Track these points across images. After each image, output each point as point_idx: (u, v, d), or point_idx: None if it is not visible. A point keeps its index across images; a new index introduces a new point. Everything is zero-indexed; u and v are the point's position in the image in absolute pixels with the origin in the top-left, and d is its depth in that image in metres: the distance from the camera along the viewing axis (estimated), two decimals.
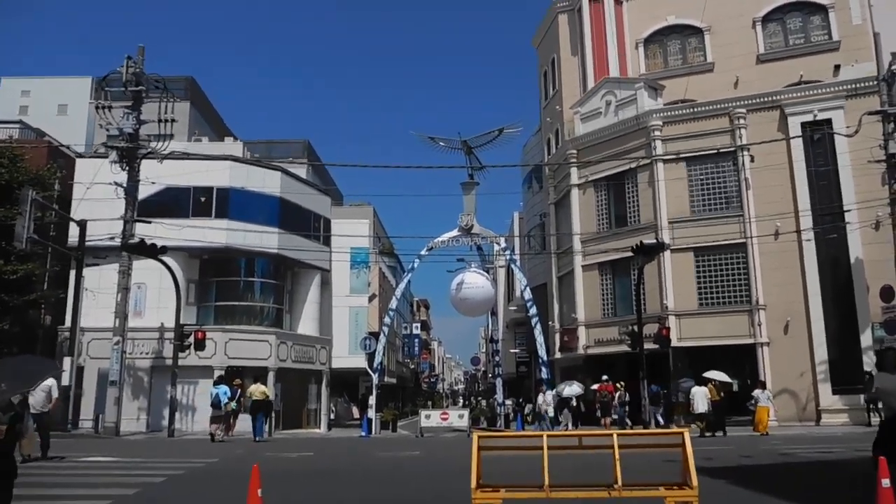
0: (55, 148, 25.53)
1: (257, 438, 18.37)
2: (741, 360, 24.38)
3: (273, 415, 22.29)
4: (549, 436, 5.89)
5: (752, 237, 24.09)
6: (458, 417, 21.54)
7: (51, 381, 12.36)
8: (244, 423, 20.55)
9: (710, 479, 8.26)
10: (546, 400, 23.44)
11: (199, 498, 8.61)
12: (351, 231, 32.92)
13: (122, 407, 22.36)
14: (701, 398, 19.41)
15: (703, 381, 20.51)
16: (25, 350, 24.11)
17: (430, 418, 21.66)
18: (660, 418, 22.40)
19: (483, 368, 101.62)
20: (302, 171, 34.14)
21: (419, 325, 73.72)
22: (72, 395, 20.51)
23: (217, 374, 24.42)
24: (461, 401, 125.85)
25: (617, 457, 5.42)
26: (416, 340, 68.08)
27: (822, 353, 22.88)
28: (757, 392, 20.64)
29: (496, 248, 29.87)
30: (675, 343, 23.95)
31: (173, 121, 21.31)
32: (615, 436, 5.51)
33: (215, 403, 18.45)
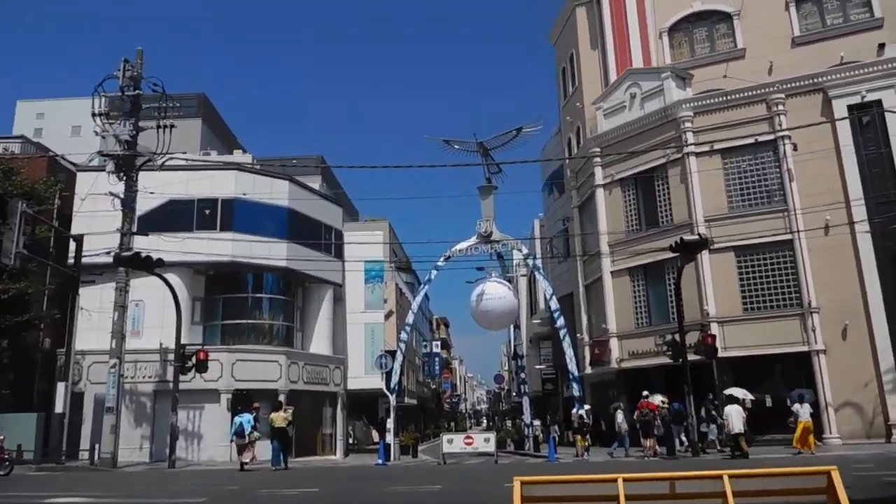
0: (56, 163, 24.39)
1: (276, 467, 17.34)
2: (795, 370, 22.16)
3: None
4: (626, 479, 4.07)
5: (799, 233, 22.02)
6: (483, 441, 19.60)
7: None
8: (262, 448, 19.22)
9: None
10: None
11: None
12: (365, 242, 31.39)
13: (123, 435, 20.78)
14: (736, 417, 17.72)
15: (733, 400, 18.69)
16: (21, 375, 22.77)
17: (453, 443, 19.76)
18: (683, 438, 20.80)
19: (506, 387, 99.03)
20: (315, 185, 32.86)
21: (439, 343, 71.97)
22: (66, 424, 18.94)
23: (224, 397, 22.91)
24: (484, 421, 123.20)
25: None
26: (437, 359, 66.24)
27: (888, 359, 20.62)
28: (796, 406, 18.69)
29: (516, 255, 28.09)
30: (719, 353, 21.88)
31: (172, 126, 19.98)
32: (726, 478, 3.68)
33: (240, 432, 17.76)
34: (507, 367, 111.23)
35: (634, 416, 23.06)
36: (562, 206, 34.30)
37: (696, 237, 16.99)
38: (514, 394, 70.21)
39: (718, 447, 19.93)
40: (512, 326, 54.01)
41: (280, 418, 18.04)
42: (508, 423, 56.22)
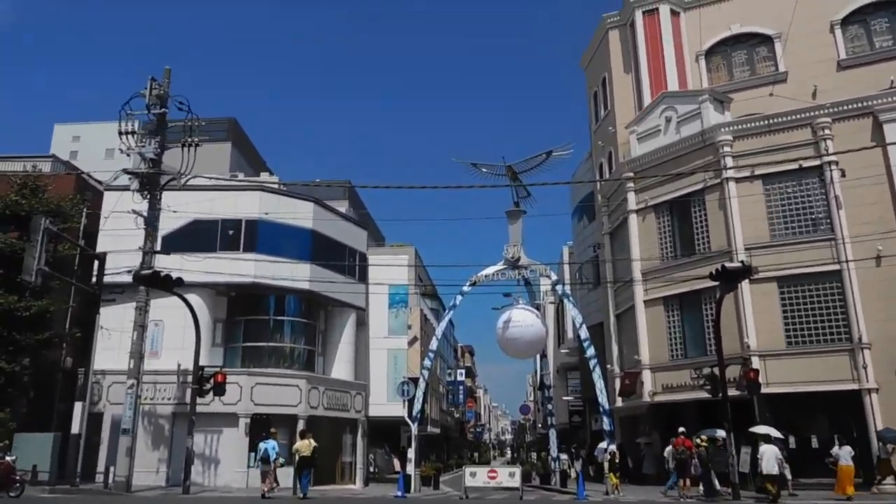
0: (84, 182, 24.50)
1: (302, 495, 17.24)
2: (843, 409, 20.72)
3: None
4: None
5: (847, 263, 20.77)
6: (508, 476, 18.55)
7: None
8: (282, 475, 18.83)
9: None
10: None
11: None
12: (390, 269, 30.83)
13: (139, 458, 20.32)
14: (770, 458, 16.73)
15: (756, 440, 17.83)
16: (42, 394, 22.53)
17: (476, 476, 18.75)
18: (715, 480, 19.01)
19: (532, 418, 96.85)
20: (342, 209, 32.57)
21: (464, 371, 70.75)
22: (81, 445, 18.49)
23: (243, 421, 22.34)
24: (508, 452, 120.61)
25: None
26: (461, 387, 65.06)
27: None
28: (835, 449, 17.54)
29: (544, 282, 27.18)
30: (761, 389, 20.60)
31: (197, 145, 19.82)
32: None
33: (265, 458, 17.64)
34: (532, 398, 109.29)
35: (665, 454, 22.21)
36: (592, 232, 33.38)
37: (739, 265, 15.96)
38: (539, 425, 68.50)
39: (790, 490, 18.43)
40: (538, 356, 52.70)
41: (305, 447, 17.96)
42: (533, 455, 54.55)
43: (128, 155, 19.67)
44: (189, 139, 19.75)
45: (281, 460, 18.32)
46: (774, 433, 18.67)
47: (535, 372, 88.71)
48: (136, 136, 19.62)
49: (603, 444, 25.59)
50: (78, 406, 18.47)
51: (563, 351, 38.69)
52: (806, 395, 20.66)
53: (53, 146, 46.20)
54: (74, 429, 18.35)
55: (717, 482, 19.41)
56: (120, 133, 19.92)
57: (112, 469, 18.60)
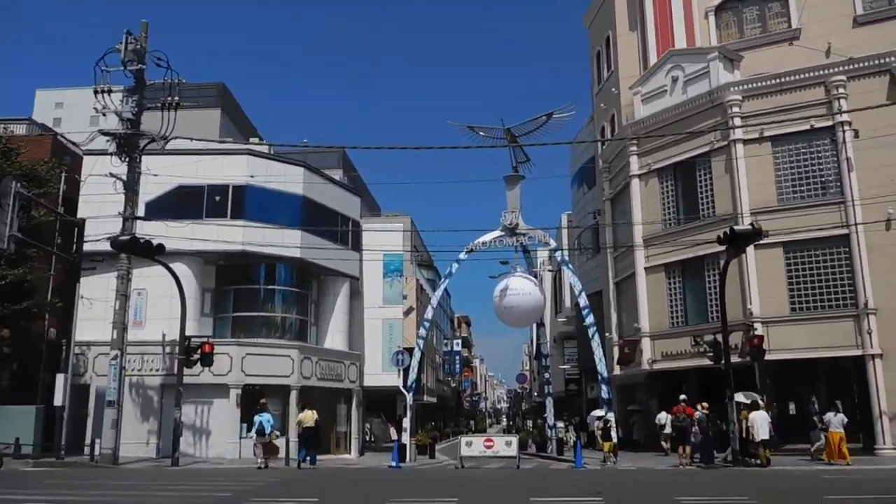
0: (62, 145, 23.43)
1: (308, 466, 17.78)
2: (846, 375, 20.33)
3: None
4: None
5: (856, 227, 20.07)
6: (504, 445, 18.14)
7: None
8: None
9: None
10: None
11: None
12: (384, 236, 30.02)
13: (129, 430, 19.92)
14: (762, 424, 16.82)
15: (756, 406, 17.78)
16: (26, 366, 21.87)
17: (472, 446, 18.32)
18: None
19: (528, 387, 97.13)
20: (336, 178, 31.57)
21: (460, 341, 70.68)
22: (64, 417, 17.89)
23: (234, 392, 21.78)
24: (504, 420, 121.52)
25: None
26: (457, 357, 65.01)
27: None
28: (829, 415, 17.38)
29: (541, 250, 26.42)
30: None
31: (178, 104, 18.77)
32: None
33: (260, 431, 17.72)
34: (528, 367, 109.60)
35: (662, 420, 22.03)
36: (592, 199, 32.57)
37: (749, 227, 15.22)
38: (535, 394, 68.66)
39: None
40: (535, 325, 52.14)
41: (308, 417, 18.20)
42: (529, 423, 54.66)
43: (104, 115, 18.61)
44: (169, 98, 18.72)
45: (276, 433, 18.45)
46: (754, 398, 18.47)
47: (532, 341, 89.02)
48: (112, 94, 18.55)
49: (596, 412, 25.31)
50: (60, 378, 17.82)
51: (560, 320, 38.22)
52: (808, 362, 20.24)
53: (35, 113, 44.70)
54: (57, 401, 17.74)
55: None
56: (95, 91, 18.88)
57: (98, 441, 18.04)
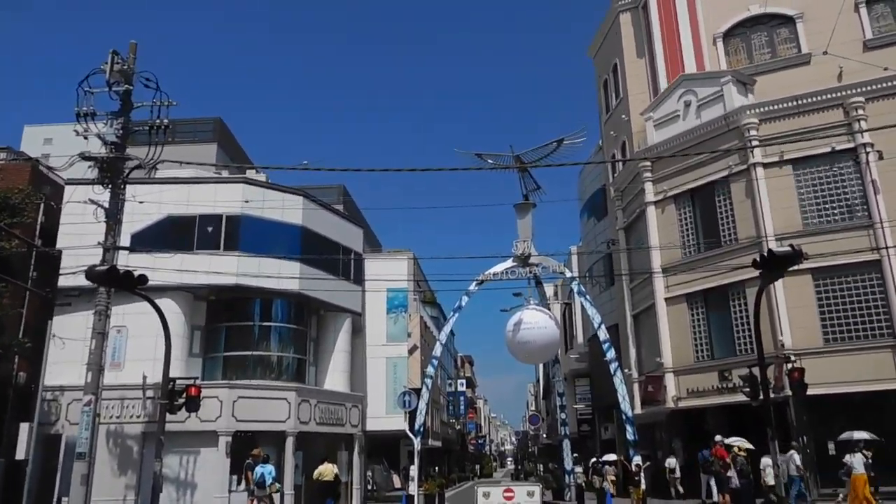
0: (42, 175, 22.19)
1: None
2: (886, 409, 18.70)
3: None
4: None
5: (888, 250, 18.82)
6: (526, 495, 16.35)
7: None
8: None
9: None
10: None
11: None
12: (388, 270, 28.69)
13: (104, 484, 18.16)
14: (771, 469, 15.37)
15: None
16: None
17: (490, 497, 16.54)
18: (712, 485, 19.41)
19: (540, 428, 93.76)
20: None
21: (464, 381, 68.60)
22: (27, 472, 16.16)
23: (223, 440, 20.03)
24: (509, 462, 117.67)
25: None
26: (462, 398, 62.90)
27: None
28: (848, 457, 15.83)
29: (549, 285, 25.03)
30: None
31: (167, 127, 17.66)
32: None
33: (260, 484, 16.89)
34: (533, 407, 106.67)
35: (675, 465, 21.40)
36: (603, 230, 31.35)
37: (789, 249, 13.85)
38: (543, 435, 66.13)
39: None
40: (541, 364, 50.33)
41: (328, 472, 17.78)
42: (539, 467, 52.20)
43: (85, 138, 17.44)
44: (158, 121, 17.62)
45: (277, 485, 17.40)
46: (745, 444, 17.75)
47: (538, 380, 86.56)
48: (93, 117, 17.42)
49: (607, 457, 25.10)
50: (24, 427, 16.11)
51: (572, 356, 36.51)
52: (845, 397, 18.66)
53: (24, 149, 43.87)
54: (20, 454, 16.00)
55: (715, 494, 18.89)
56: (78, 115, 17.76)
57: (65, 501, 16.25)
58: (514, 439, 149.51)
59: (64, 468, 17.49)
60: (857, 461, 15.75)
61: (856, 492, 15.40)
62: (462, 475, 60.42)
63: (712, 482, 20.06)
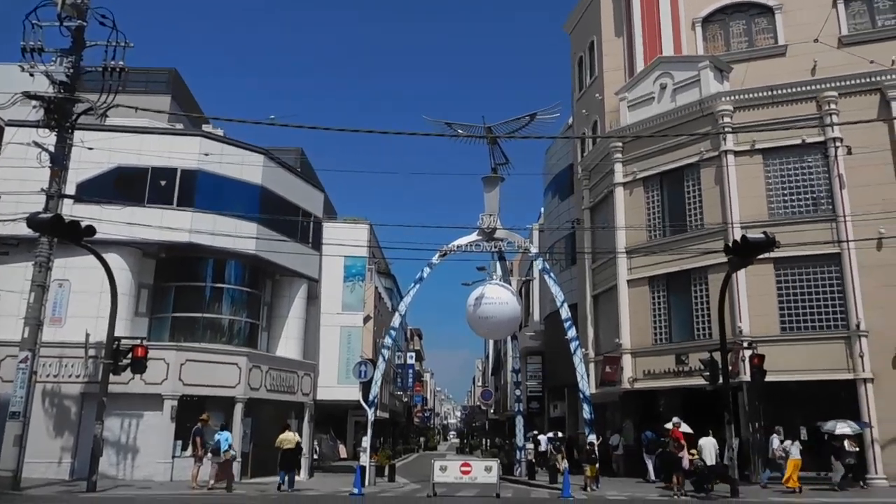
0: None
1: (287, 489, 17.33)
2: (837, 400, 19.29)
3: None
4: None
5: (848, 244, 19.26)
6: (484, 471, 16.16)
7: None
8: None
9: None
10: (777, 445, 18.39)
11: None
12: (345, 237, 27.78)
13: (38, 447, 16.97)
14: (710, 450, 16.84)
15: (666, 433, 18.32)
16: None
17: (447, 471, 16.28)
18: (649, 466, 20.78)
19: (478, 402, 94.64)
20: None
21: (413, 355, 68.52)
22: None
23: (169, 404, 19.04)
24: (452, 436, 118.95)
25: None
26: (411, 371, 62.82)
27: None
28: (787, 443, 17.62)
29: (500, 267, 24.55)
30: (748, 377, 18.96)
31: (122, 70, 16.32)
32: None
33: (216, 450, 16.92)
34: (480, 383, 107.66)
35: (618, 443, 22.25)
36: (567, 210, 31.27)
37: (762, 236, 13.89)
38: (490, 410, 66.93)
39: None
40: (492, 341, 50.37)
41: (290, 439, 17.87)
42: (486, 441, 52.76)
43: (31, 75, 15.92)
44: (112, 62, 16.25)
45: (232, 452, 17.24)
46: (686, 428, 18.35)
47: (487, 357, 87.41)
48: (40, 53, 15.94)
49: (547, 435, 26.03)
50: None
51: (527, 334, 36.61)
52: (797, 385, 19.18)
53: None
54: None
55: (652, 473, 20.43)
56: (23, 50, 16.21)
57: None
58: (458, 414, 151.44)
59: None
60: (794, 448, 17.24)
61: (791, 473, 17.00)
62: (407, 447, 60.59)
63: (650, 462, 20.89)
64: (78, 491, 15.10)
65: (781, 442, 18.25)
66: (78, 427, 18.41)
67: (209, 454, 16.96)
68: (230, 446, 17.09)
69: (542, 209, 41.50)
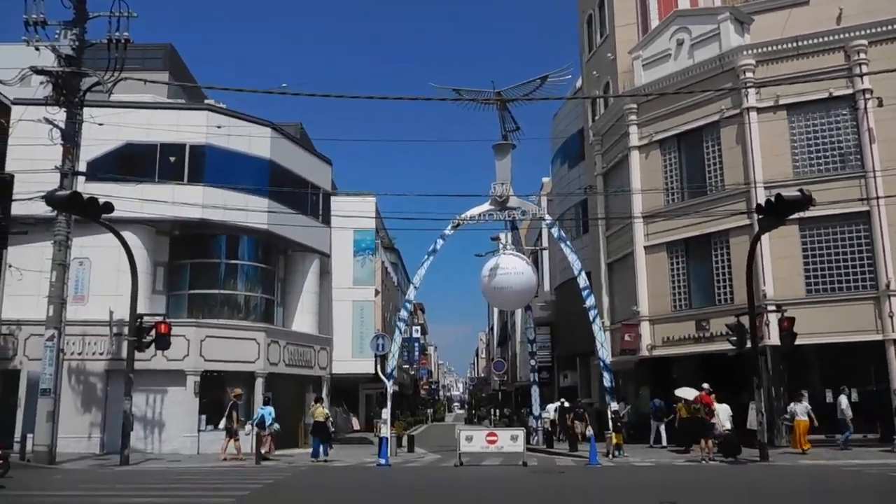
0: None
1: (320, 459, 17.56)
2: (864, 362, 19.18)
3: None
4: None
5: (878, 202, 18.88)
6: (510, 440, 16.07)
7: None
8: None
9: None
10: (845, 405, 17.95)
11: None
12: (354, 210, 27.39)
13: (68, 423, 17.07)
14: (724, 416, 16.69)
15: (676, 400, 19.11)
16: None
17: (473, 441, 16.22)
18: (662, 432, 21.03)
19: (483, 374, 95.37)
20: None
21: (419, 328, 68.80)
22: None
23: (191, 379, 18.98)
24: (457, 408, 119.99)
25: None
26: (416, 344, 63.18)
27: None
28: (793, 405, 17.74)
29: (509, 237, 24.17)
30: (774, 341, 18.82)
31: (127, 42, 15.80)
32: None
33: (261, 423, 17.40)
34: (483, 355, 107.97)
35: (625, 411, 21.65)
36: (577, 177, 30.84)
37: (798, 194, 13.50)
38: (496, 380, 67.35)
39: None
40: (496, 311, 50.01)
41: (320, 412, 18.20)
42: (495, 412, 53.04)
43: (36, 49, 15.42)
44: (117, 33, 15.72)
45: (276, 426, 17.65)
46: (692, 394, 18.29)
47: (491, 329, 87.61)
48: (44, 26, 15.42)
49: (552, 404, 25.70)
50: None
51: (537, 304, 36.42)
52: (824, 347, 18.98)
53: None
54: None
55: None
56: (26, 23, 15.70)
57: (30, 437, 15.14)
58: (460, 386, 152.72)
59: (27, 405, 16.36)
60: (800, 409, 17.38)
61: (798, 435, 17.16)
62: (416, 419, 61.18)
63: (662, 429, 21.10)
64: (111, 465, 15.24)
65: (850, 401, 17.90)
66: (105, 403, 18.60)
67: (255, 427, 17.32)
68: (274, 420, 17.48)
69: (546, 178, 41.02)
